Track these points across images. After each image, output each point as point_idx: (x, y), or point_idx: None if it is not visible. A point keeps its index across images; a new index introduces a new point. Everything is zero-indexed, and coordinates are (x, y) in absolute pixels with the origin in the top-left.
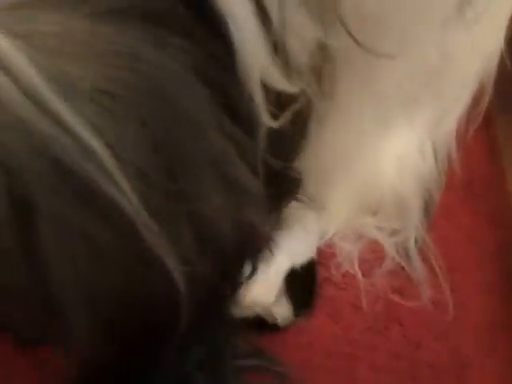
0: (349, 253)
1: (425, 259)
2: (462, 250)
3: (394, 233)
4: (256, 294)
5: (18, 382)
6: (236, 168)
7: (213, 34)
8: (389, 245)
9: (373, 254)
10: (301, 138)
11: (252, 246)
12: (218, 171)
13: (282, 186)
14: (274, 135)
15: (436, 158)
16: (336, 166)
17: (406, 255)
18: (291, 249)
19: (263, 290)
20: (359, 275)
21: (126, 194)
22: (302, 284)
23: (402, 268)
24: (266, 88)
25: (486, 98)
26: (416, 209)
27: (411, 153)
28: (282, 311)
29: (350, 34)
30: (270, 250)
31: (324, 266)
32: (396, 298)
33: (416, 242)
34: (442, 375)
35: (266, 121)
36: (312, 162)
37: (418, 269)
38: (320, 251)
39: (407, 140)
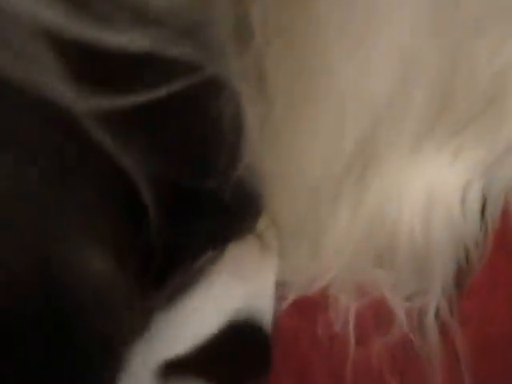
0: (344, 308)
1: (445, 339)
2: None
3: (409, 296)
4: None
5: None
6: None
7: None
8: (399, 309)
9: (376, 317)
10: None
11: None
12: None
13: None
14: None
15: (484, 210)
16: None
17: (420, 328)
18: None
19: None
20: (352, 340)
21: None
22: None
23: (411, 343)
24: None
25: None
26: (443, 271)
27: (447, 195)
28: None
29: None
30: None
31: (309, 319)
32: (395, 382)
33: (437, 314)
34: None
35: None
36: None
37: (432, 348)
38: (309, 301)
39: (442, 176)
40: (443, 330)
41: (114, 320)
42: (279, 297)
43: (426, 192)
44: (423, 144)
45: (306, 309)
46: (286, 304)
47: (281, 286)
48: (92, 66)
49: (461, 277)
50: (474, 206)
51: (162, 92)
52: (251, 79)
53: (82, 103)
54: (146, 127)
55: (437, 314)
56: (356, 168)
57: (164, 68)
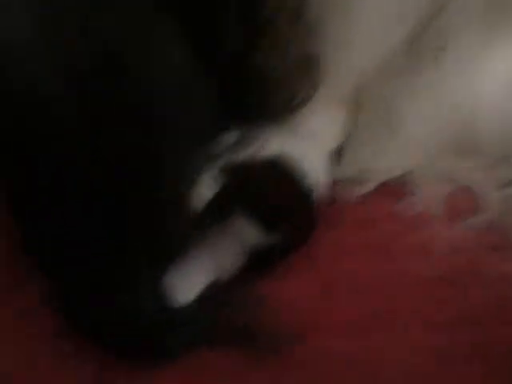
0: (429, 193)
1: None
2: None
3: (497, 184)
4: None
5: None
6: None
7: None
8: (490, 196)
9: (464, 202)
10: None
11: None
12: None
13: None
14: None
15: None
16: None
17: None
18: None
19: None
20: (439, 221)
21: None
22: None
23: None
24: None
25: None
26: None
27: None
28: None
29: None
30: None
31: (394, 201)
32: (488, 253)
33: None
34: None
35: None
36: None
37: None
38: (391, 186)
39: None
40: None
41: (190, 111)
42: (362, 181)
43: (507, 75)
44: (501, 21)
45: (391, 193)
46: (367, 188)
47: (364, 172)
48: None
49: None
50: None
51: None
52: None
53: None
54: None
55: None
56: (432, 51)
57: None
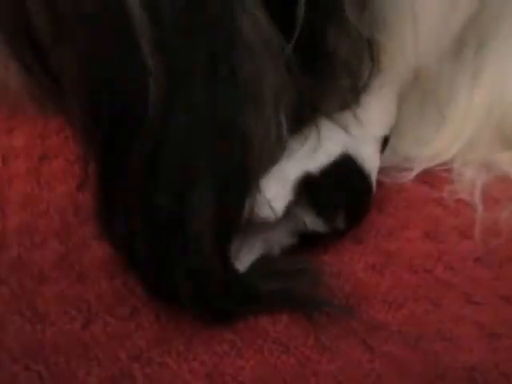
0: (470, 181)
1: None
2: None
3: None
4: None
5: None
6: None
7: None
8: None
9: (502, 190)
10: None
11: None
12: None
13: None
14: None
15: None
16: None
17: None
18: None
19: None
20: (479, 207)
21: None
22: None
23: None
24: None
25: None
26: None
27: None
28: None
29: None
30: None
31: (435, 187)
32: None
33: None
34: None
35: None
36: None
37: None
38: (434, 173)
39: None
40: None
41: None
42: (404, 168)
43: None
44: None
45: (432, 180)
46: (411, 175)
47: (407, 160)
48: None
49: None
50: None
51: None
52: None
53: None
54: None
55: None
56: (471, 42)
57: None
